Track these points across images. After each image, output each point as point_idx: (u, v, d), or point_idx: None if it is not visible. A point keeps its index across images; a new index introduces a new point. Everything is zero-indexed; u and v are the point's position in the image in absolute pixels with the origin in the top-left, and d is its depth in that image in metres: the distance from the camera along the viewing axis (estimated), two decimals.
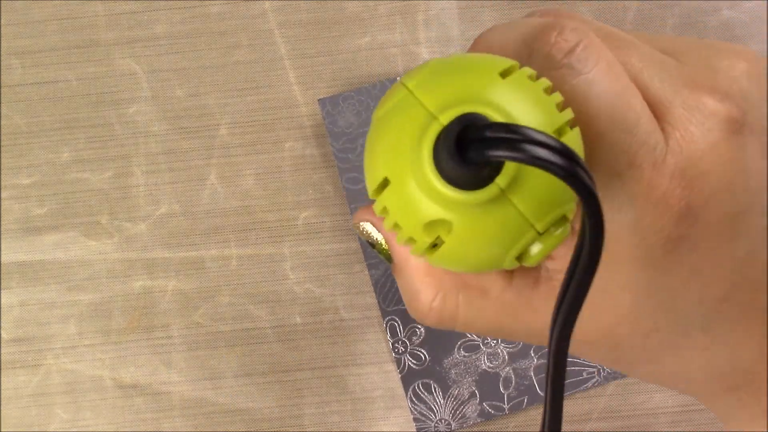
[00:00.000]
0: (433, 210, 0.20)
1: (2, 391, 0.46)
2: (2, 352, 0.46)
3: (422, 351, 0.46)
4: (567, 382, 0.46)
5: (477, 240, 0.20)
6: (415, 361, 0.46)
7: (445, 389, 0.46)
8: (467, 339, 0.46)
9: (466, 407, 0.46)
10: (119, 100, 0.47)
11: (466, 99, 0.19)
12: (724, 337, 0.24)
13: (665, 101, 0.22)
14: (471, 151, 0.18)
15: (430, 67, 0.21)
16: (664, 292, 0.23)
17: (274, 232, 0.47)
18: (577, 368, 0.46)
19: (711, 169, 0.22)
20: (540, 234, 0.20)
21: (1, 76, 0.47)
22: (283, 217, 0.47)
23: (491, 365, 0.46)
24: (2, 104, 0.47)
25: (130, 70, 0.47)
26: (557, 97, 0.20)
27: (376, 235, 0.25)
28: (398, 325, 0.46)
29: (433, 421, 0.46)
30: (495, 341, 0.46)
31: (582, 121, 0.21)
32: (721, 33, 0.48)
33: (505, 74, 0.20)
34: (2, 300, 0.46)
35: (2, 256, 0.47)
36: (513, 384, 0.46)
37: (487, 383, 0.46)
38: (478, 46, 0.24)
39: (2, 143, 0.47)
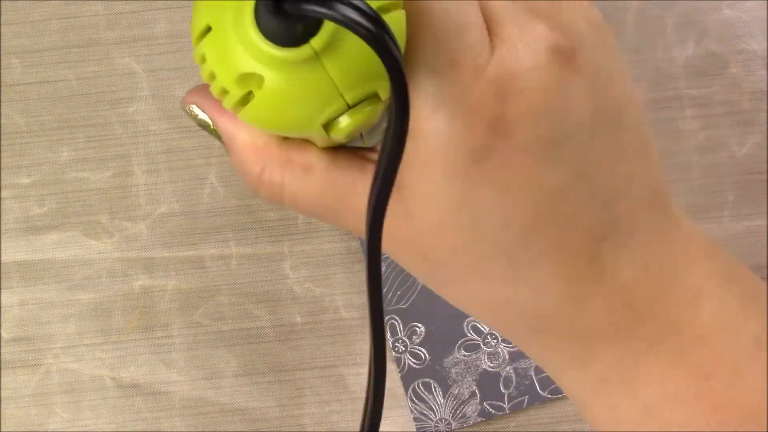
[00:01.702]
0: (247, 62, 0.20)
1: (2, 391, 0.46)
2: (2, 351, 0.46)
3: (422, 350, 0.46)
4: None
5: (286, 98, 0.20)
6: (415, 361, 0.46)
7: (446, 389, 0.46)
8: (468, 338, 0.46)
9: (467, 407, 0.46)
10: (119, 100, 0.47)
11: None
12: (528, 274, 0.24)
13: (500, 16, 0.23)
14: (287, 3, 0.18)
15: None
16: (471, 206, 0.23)
17: (273, 231, 0.47)
18: None
19: (530, 89, 0.22)
20: (349, 107, 0.21)
21: (1, 76, 0.47)
22: (282, 216, 0.47)
23: (492, 365, 0.46)
24: (2, 103, 0.47)
25: (129, 70, 0.47)
26: None
27: (203, 116, 0.25)
28: (398, 324, 0.46)
29: (433, 421, 0.46)
30: (495, 340, 0.46)
31: (415, 11, 0.21)
32: (721, 32, 0.48)
33: None
34: (2, 299, 0.46)
35: (2, 255, 0.47)
36: (513, 384, 0.46)
37: (488, 383, 0.46)
38: None
39: (2, 143, 0.47)
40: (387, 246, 0.25)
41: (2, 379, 0.46)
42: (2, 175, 0.47)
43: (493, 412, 0.46)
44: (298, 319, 0.46)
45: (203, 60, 0.21)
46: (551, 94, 0.22)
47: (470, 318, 0.46)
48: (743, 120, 0.47)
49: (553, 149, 0.22)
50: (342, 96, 0.20)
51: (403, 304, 0.46)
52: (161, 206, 0.47)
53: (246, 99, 0.21)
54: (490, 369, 0.46)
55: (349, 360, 0.46)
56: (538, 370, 0.46)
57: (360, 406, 0.46)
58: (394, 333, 0.46)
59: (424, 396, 0.46)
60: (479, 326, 0.46)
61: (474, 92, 0.22)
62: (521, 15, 0.23)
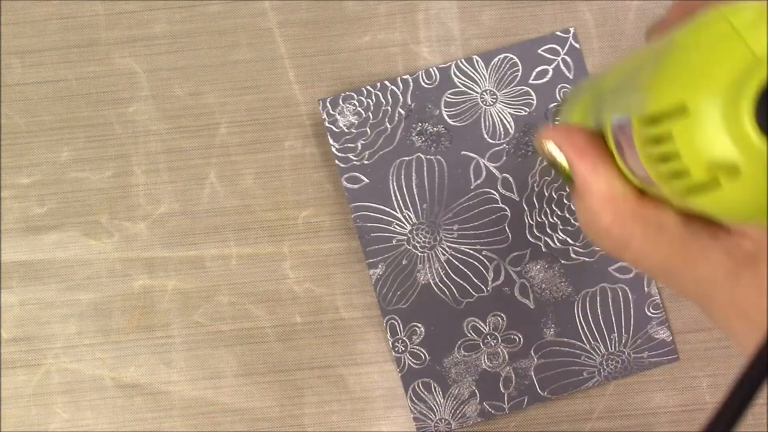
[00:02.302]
0: (728, 151, 0.19)
1: (2, 391, 0.46)
2: (2, 351, 0.46)
3: (422, 350, 0.46)
4: (567, 382, 0.46)
5: (757, 193, 0.20)
6: (415, 361, 0.46)
7: (445, 389, 0.46)
8: (468, 338, 0.46)
9: (466, 407, 0.46)
10: (119, 100, 0.47)
11: None
12: None
13: None
14: None
15: (756, 8, 0.20)
16: None
17: (273, 231, 0.47)
18: (577, 368, 0.45)
19: None
20: None
21: (1, 76, 0.47)
22: (282, 216, 0.47)
23: (491, 365, 0.46)
24: (2, 103, 0.47)
25: (129, 70, 0.47)
26: None
27: (559, 156, 0.25)
28: (398, 324, 0.46)
29: (433, 421, 0.45)
30: (495, 341, 0.46)
31: None
32: None
33: None
34: (2, 300, 0.46)
35: (2, 255, 0.47)
36: (513, 384, 0.46)
37: (488, 383, 0.46)
38: None
39: (2, 143, 0.47)
40: (717, 310, 0.24)
41: (2, 379, 0.46)
42: (2, 175, 0.47)
43: (492, 412, 0.45)
44: (298, 319, 0.46)
45: (666, 137, 0.21)
46: None
47: (470, 318, 0.46)
48: None
49: None
50: None
51: (403, 304, 0.46)
52: (161, 206, 0.47)
53: (708, 185, 0.20)
54: (489, 369, 0.46)
55: (349, 360, 0.46)
56: (538, 371, 0.46)
57: (360, 405, 0.46)
58: (394, 333, 0.46)
59: (423, 396, 0.46)
60: (479, 326, 0.46)
61: None
62: None
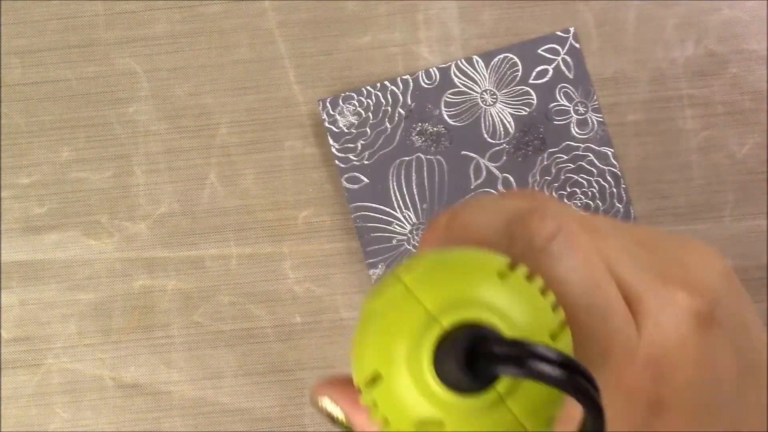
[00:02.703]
0: (427, 409, 0.20)
1: (2, 391, 0.46)
2: (2, 351, 0.46)
3: None
4: None
5: None
6: None
7: None
8: None
9: None
10: (119, 100, 0.47)
11: (466, 302, 0.20)
12: None
13: (638, 292, 0.23)
14: (479, 365, 0.18)
15: (427, 262, 0.21)
16: None
17: (273, 231, 0.47)
18: None
19: (681, 362, 0.22)
20: None
21: (1, 76, 0.47)
22: (282, 216, 0.47)
23: None
24: (2, 103, 0.47)
25: (129, 70, 0.47)
26: (550, 297, 0.21)
27: (336, 412, 0.25)
28: None
29: None
30: None
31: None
32: (721, 32, 0.48)
33: (502, 275, 0.20)
34: (2, 300, 0.46)
35: (2, 255, 0.47)
36: None
37: None
38: (454, 227, 0.24)
39: (2, 143, 0.47)
40: None
41: (2, 379, 0.46)
42: (2, 175, 0.47)
43: None
44: (298, 319, 0.46)
45: (374, 405, 0.21)
46: (702, 363, 0.22)
47: None
48: (743, 120, 0.47)
49: (708, 414, 0.23)
50: (524, 427, 0.20)
51: None
52: (161, 206, 0.47)
53: None
54: None
55: (349, 360, 0.46)
56: None
57: None
58: None
59: None
60: None
61: (629, 377, 0.22)
62: (657, 285, 0.23)
